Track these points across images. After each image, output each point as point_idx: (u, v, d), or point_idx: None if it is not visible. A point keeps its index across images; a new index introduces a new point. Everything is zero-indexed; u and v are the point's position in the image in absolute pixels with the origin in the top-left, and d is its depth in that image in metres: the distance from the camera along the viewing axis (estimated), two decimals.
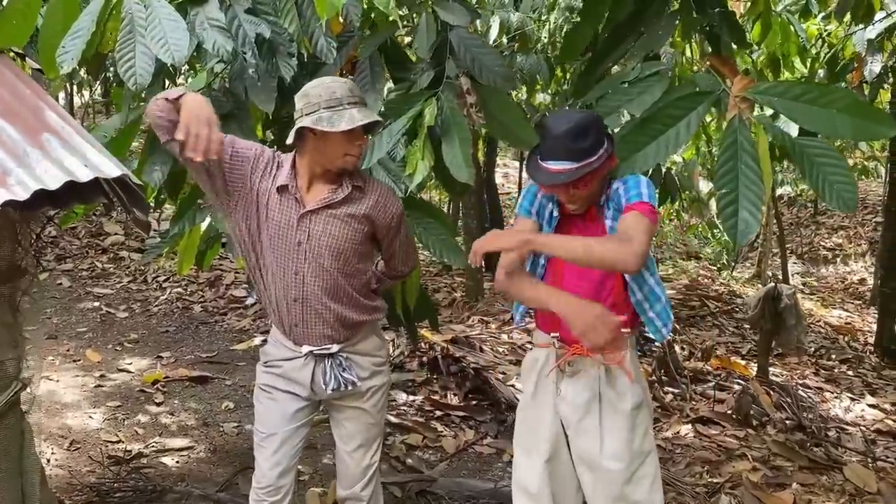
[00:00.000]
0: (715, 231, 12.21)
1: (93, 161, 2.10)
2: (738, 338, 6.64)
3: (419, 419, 4.01)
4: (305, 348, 2.26)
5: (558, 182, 2.07)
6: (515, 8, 6.09)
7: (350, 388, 2.26)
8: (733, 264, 11.95)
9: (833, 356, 6.26)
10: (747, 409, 4.12)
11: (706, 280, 9.95)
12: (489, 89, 2.64)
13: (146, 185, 2.73)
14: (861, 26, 4.50)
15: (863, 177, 11.53)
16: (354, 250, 2.25)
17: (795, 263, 12.45)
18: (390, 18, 2.35)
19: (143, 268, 6.84)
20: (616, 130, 2.20)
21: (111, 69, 3.63)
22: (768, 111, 2.54)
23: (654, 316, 2.18)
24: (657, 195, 2.14)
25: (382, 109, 2.72)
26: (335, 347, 2.27)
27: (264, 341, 2.45)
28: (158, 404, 4.25)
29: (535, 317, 2.34)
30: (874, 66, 4.82)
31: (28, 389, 2.28)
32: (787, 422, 4.16)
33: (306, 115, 2.10)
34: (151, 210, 2.72)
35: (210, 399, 4.36)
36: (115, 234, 7.63)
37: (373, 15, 3.29)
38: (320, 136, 2.10)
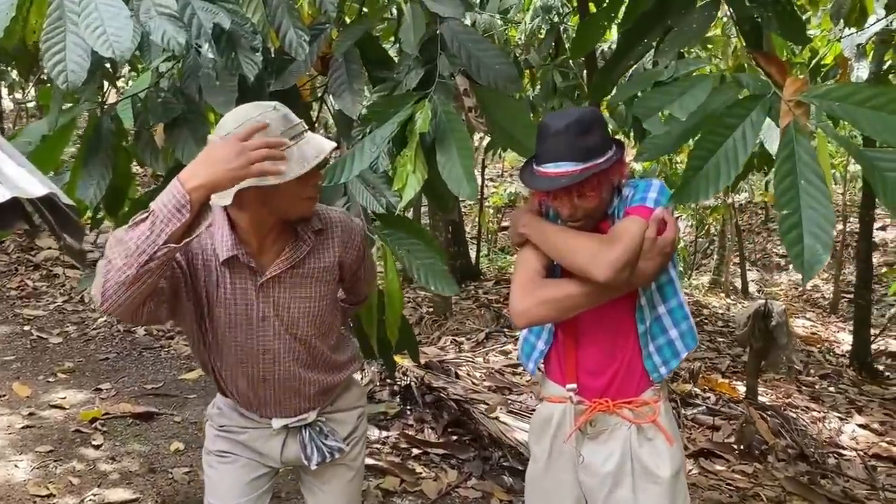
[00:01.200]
0: None
1: (10, 177, 1.65)
2: (713, 353, 6.44)
3: (395, 459, 3.61)
4: (277, 422, 1.87)
5: (561, 186, 1.71)
6: (482, 8, 5.78)
7: (337, 455, 1.87)
8: (690, 272, 11.90)
9: (812, 371, 6.09)
10: (750, 440, 3.86)
11: None
12: (490, 91, 2.29)
13: (80, 203, 2.30)
14: (853, 30, 4.30)
15: None
16: (329, 306, 1.86)
17: (750, 270, 12.48)
18: (378, 5, 1.97)
19: (78, 286, 6.27)
20: (651, 136, 1.87)
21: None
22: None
23: (653, 350, 1.82)
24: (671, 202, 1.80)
25: (363, 113, 2.35)
26: (313, 415, 1.89)
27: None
28: (97, 447, 3.75)
29: (547, 363, 1.97)
30: (861, 71, 4.64)
31: None
32: (790, 451, 3.90)
33: None
34: (87, 233, 2.27)
35: (157, 439, 3.87)
36: (49, 248, 7.03)
37: (345, 7, 2.92)
38: (266, 188, 1.61)
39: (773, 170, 1.80)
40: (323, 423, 1.91)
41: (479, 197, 10.03)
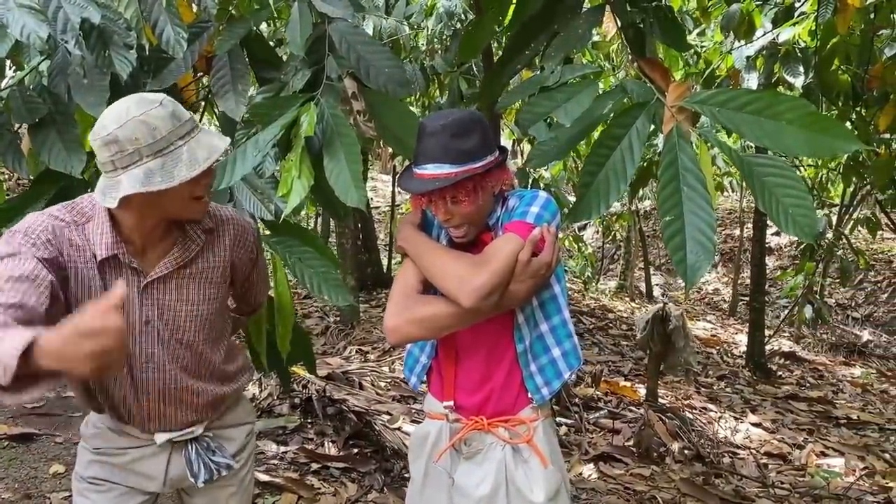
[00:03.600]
0: (580, 245, 12.41)
1: None
2: (617, 356, 6.56)
3: (293, 475, 3.47)
4: (161, 437, 1.73)
5: (432, 189, 1.63)
6: (387, 13, 5.72)
7: (224, 472, 1.76)
8: (597, 277, 12.17)
9: (710, 372, 6.29)
10: (648, 443, 3.91)
11: (576, 294, 9.98)
12: (379, 95, 2.22)
13: None
14: (742, 43, 4.46)
15: (716, 192, 12.08)
16: (219, 310, 1.75)
17: (655, 275, 12.88)
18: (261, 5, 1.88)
19: None
20: (538, 142, 1.84)
21: None
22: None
23: (535, 370, 1.74)
24: (559, 216, 1.75)
25: (246, 116, 2.24)
26: (199, 429, 1.76)
27: None
28: None
29: (429, 378, 1.90)
30: (751, 82, 4.82)
31: None
32: (686, 452, 3.98)
33: (123, 168, 1.46)
34: None
35: (35, 462, 3.61)
36: None
37: (231, 8, 2.80)
38: (153, 192, 1.48)
39: (658, 175, 1.80)
40: (210, 439, 1.79)
41: (391, 203, 9.96)
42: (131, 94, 1.56)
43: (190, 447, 1.76)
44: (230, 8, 2.68)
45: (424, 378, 1.89)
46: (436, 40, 5.21)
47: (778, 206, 1.72)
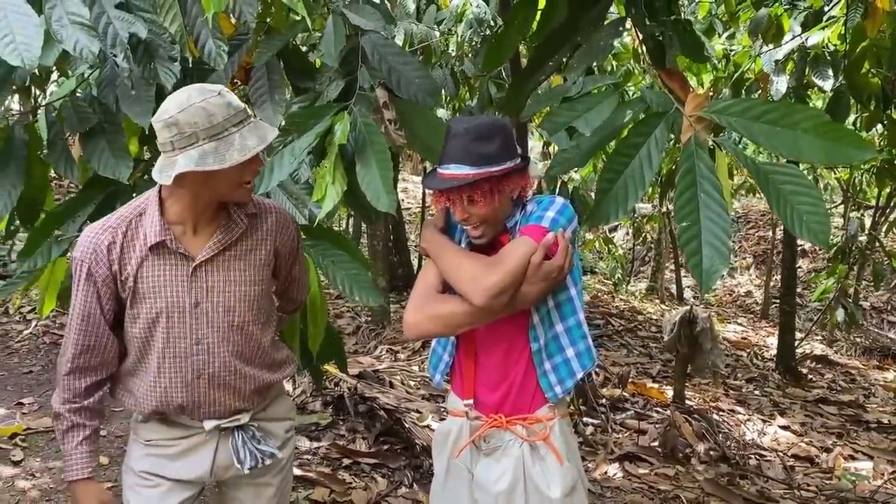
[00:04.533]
0: (610, 246, 12.39)
1: None
2: (645, 358, 6.58)
3: (325, 469, 3.59)
4: (209, 424, 1.83)
5: (449, 187, 1.73)
6: (418, 20, 5.82)
7: (269, 461, 1.86)
8: (627, 279, 12.14)
9: (739, 375, 6.28)
10: (673, 444, 3.96)
11: (605, 296, 9.98)
12: (409, 104, 2.32)
13: None
14: (770, 46, 4.48)
15: (749, 194, 11.99)
16: (265, 291, 1.86)
17: (686, 277, 12.80)
18: (299, 17, 1.98)
19: (1, 298, 6.07)
20: (560, 150, 1.92)
21: None
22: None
23: (549, 369, 1.82)
24: (576, 221, 1.83)
25: (283, 124, 2.35)
26: (246, 417, 1.86)
27: None
28: (16, 463, 3.64)
29: (452, 376, 1.98)
30: (780, 85, 4.83)
31: None
32: (712, 453, 4.02)
33: (181, 149, 1.61)
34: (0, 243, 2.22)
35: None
36: None
37: (268, 20, 2.91)
38: (206, 172, 1.64)
39: (676, 183, 1.87)
40: (256, 428, 1.89)
41: (422, 205, 10.06)
42: (192, 84, 1.70)
43: (237, 435, 1.86)
44: (267, 21, 2.80)
45: (447, 375, 1.96)
46: (466, 45, 5.30)
47: (792, 212, 1.78)
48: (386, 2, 4.12)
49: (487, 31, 5.15)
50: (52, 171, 2.55)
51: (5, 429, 3.94)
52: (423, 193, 10.02)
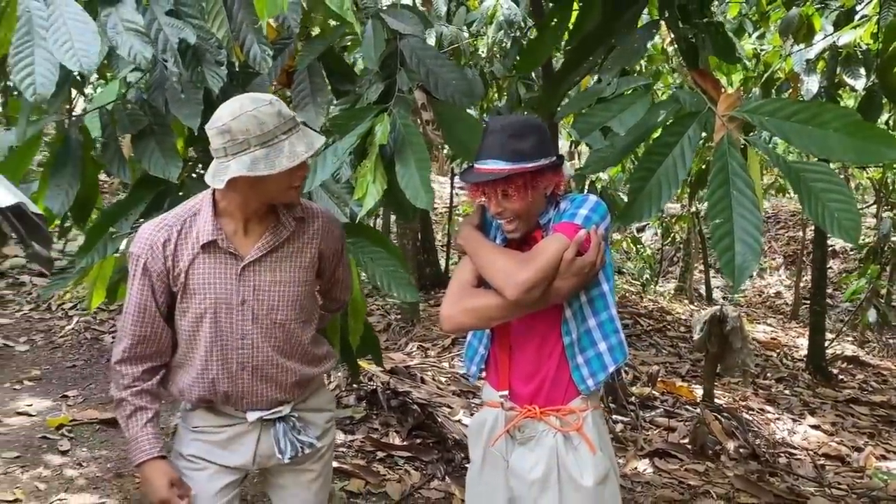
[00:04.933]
0: (638, 247, 12.36)
1: None
2: (674, 357, 6.59)
3: (360, 462, 3.68)
4: (252, 415, 1.93)
5: (484, 181, 1.80)
6: (448, 21, 5.89)
7: (308, 451, 1.95)
8: (656, 280, 12.10)
9: (769, 374, 6.27)
10: (703, 440, 3.98)
11: (634, 296, 9.97)
12: (447, 105, 2.40)
13: (48, 212, 2.35)
14: (801, 46, 4.49)
15: (779, 194, 11.90)
16: (308, 291, 1.94)
17: (715, 277, 12.72)
18: (348, 20, 2.06)
19: (43, 293, 6.25)
20: (594, 149, 1.98)
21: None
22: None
23: (581, 362, 1.86)
24: (608, 219, 1.88)
25: (325, 126, 2.44)
26: (287, 409, 1.95)
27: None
28: (63, 453, 3.77)
29: (487, 368, 2.04)
30: (811, 85, 4.83)
31: None
32: (741, 450, 4.04)
33: (233, 155, 1.70)
34: (54, 241, 2.33)
35: (123, 445, 3.90)
36: (15, 256, 6.98)
37: (308, 24, 3.00)
38: (256, 177, 1.72)
39: (708, 181, 1.92)
40: (296, 419, 1.97)
41: (449, 205, 10.13)
42: (244, 94, 1.79)
43: (278, 426, 1.95)
44: (307, 25, 2.89)
45: (483, 367, 2.02)
46: (496, 47, 5.36)
47: (824, 210, 1.82)
48: (421, 6, 4.20)
49: (517, 33, 5.20)
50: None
51: (52, 420, 4.09)
52: (451, 194, 10.09)
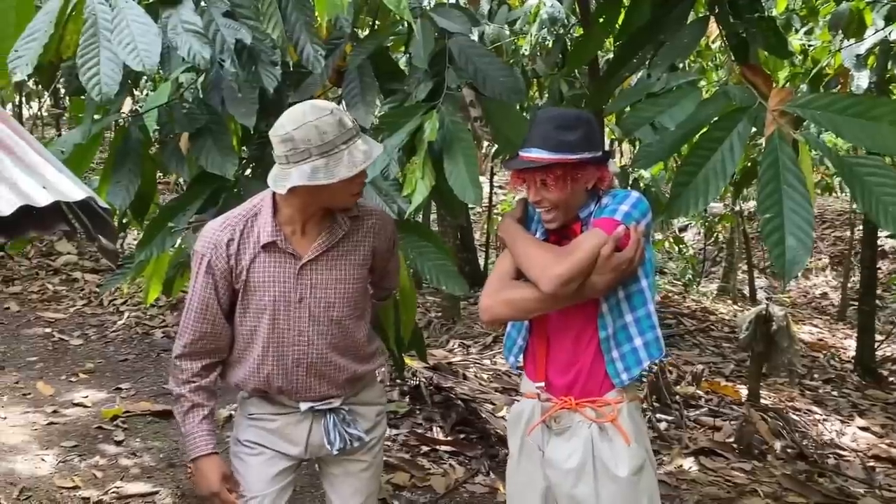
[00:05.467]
0: (680, 246, 12.21)
1: (52, 182, 1.80)
2: (718, 357, 6.51)
3: (405, 455, 3.74)
4: (304, 405, 1.99)
5: (523, 167, 1.84)
6: (490, 20, 5.92)
7: (356, 444, 2.00)
8: (698, 280, 11.95)
9: (816, 376, 6.17)
10: (749, 440, 3.95)
11: (676, 296, 9.87)
12: (495, 102, 2.43)
13: (111, 207, 2.44)
14: (852, 41, 4.41)
15: (825, 193, 11.66)
16: (362, 288, 2.00)
17: (759, 278, 12.51)
18: (388, 21, 2.11)
19: (97, 290, 6.44)
20: (644, 144, 2.00)
21: (62, 79, 3.34)
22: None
23: (617, 357, 1.87)
24: (650, 216, 1.89)
25: (375, 123, 2.49)
26: (337, 402, 2.01)
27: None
28: (118, 443, 3.90)
29: (525, 360, 2.06)
30: (861, 80, 4.74)
31: None
32: (788, 450, 3.99)
33: (294, 164, 1.76)
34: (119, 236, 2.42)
35: (175, 436, 4.01)
36: (68, 253, 7.21)
37: (358, 24, 3.06)
38: (315, 186, 1.78)
39: (759, 176, 1.92)
40: (346, 412, 2.02)
41: (488, 204, 10.15)
42: (306, 101, 1.86)
43: (328, 417, 2.00)
44: (356, 26, 2.94)
45: (521, 357, 2.05)
46: (539, 45, 5.37)
47: (878, 204, 1.81)
48: (467, 4, 4.24)
49: (560, 30, 5.21)
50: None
51: (107, 411, 4.23)
52: (491, 193, 10.11)
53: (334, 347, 1.95)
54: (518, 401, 2.09)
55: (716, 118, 1.91)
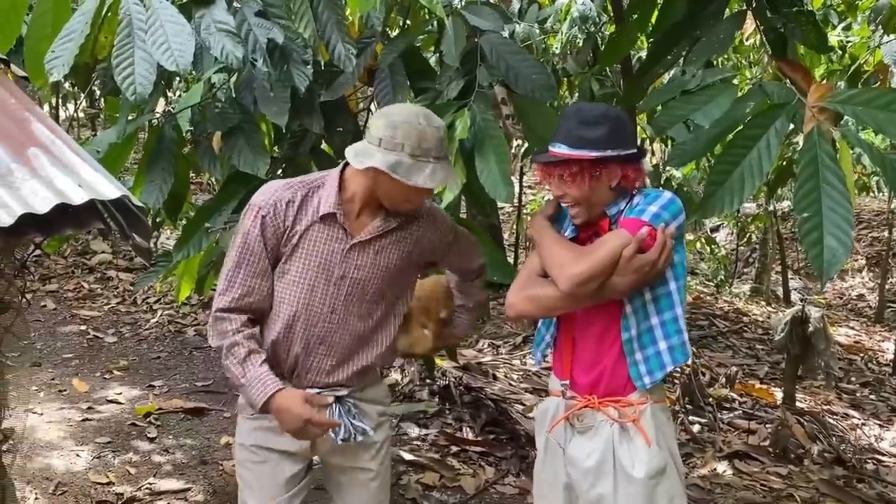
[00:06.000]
0: (713, 247, 12.05)
1: (87, 180, 1.82)
2: (752, 359, 6.41)
3: (434, 455, 3.73)
4: (310, 390, 1.94)
5: (543, 161, 1.85)
6: (520, 18, 5.89)
7: (361, 438, 1.96)
8: (731, 281, 11.79)
9: (853, 379, 6.04)
10: (785, 443, 3.88)
11: (709, 297, 9.74)
12: (527, 100, 2.41)
13: (145, 206, 2.47)
14: (892, 36, 4.31)
15: (861, 193, 11.43)
16: (403, 282, 2.01)
17: (793, 279, 12.30)
18: (420, 19, 2.10)
19: (131, 288, 6.53)
20: (678, 143, 1.96)
21: (97, 80, 3.39)
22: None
23: (640, 359, 1.85)
24: (682, 217, 1.86)
25: None
26: (344, 391, 1.99)
27: None
28: (151, 440, 3.94)
29: (553, 357, 2.05)
30: None
31: (10, 443, 1.98)
32: (825, 455, 3.92)
33: (385, 149, 1.78)
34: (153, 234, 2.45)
35: (207, 433, 4.05)
36: (102, 252, 7.32)
37: (388, 23, 3.05)
38: (390, 177, 1.79)
39: (797, 173, 1.88)
40: (352, 403, 1.99)
41: (517, 203, 10.11)
42: (422, 107, 1.93)
43: (333, 406, 1.95)
44: (387, 25, 2.94)
45: (548, 354, 2.05)
46: (570, 44, 5.33)
47: None
48: (499, 1, 4.22)
49: (592, 28, 5.16)
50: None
51: (140, 408, 4.28)
52: (520, 192, 10.06)
53: (359, 334, 1.95)
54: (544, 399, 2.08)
55: (752, 115, 1.87)
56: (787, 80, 1.88)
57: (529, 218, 2.02)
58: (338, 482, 2.08)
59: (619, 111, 1.87)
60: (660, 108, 2.08)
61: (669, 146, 4.98)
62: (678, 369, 4.40)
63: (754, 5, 2.00)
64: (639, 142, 2.25)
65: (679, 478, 1.90)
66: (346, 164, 1.91)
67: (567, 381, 1.94)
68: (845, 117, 1.93)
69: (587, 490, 1.87)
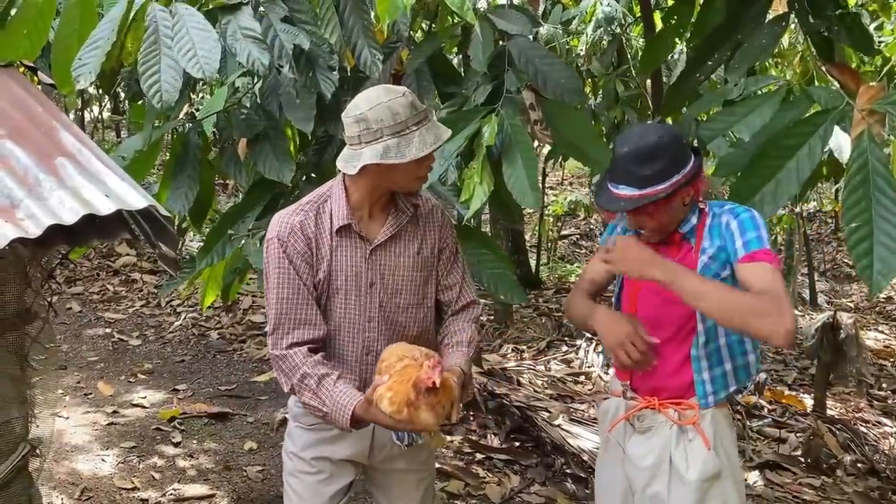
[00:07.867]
0: None
1: (114, 190, 1.81)
2: (780, 365, 6.29)
3: (459, 463, 3.68)
4: None
5: (616, 209, 1.82)
6: (544, 19, 5.83)
7: (421, 441, 1.93)
8: None
9: (884, 385, 5.91)
10: (817, 453, 3.79)
11: None
12: (555, 104, 2.37)
13: (170, 213, 2.45)
14: None
15: None
16: (426, 276, 1.96)
17: (819, 281, 12.09)
18: (468, 19, 2.05)
19: (155, 291, 6.55)
20: (725, 155, 1.90)
21: (122, 84, 3.38)
22: None
23: (707, 378, 1.84)
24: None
25: None
26: None
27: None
28: (176, 444, 3.93)
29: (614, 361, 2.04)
30: None
31: (38, 451, 1.97)
32: (859, 465, 3.82)
33: (366, 143, 1.75)
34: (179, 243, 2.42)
35: (231, 438, 4.04)
36: (127, 255, 7.35)
37: (414, 28, 3.01)
38: (387, 165, 1.76)
39: (844, 180, 1.81)
40: None
41: (541, 205, 10.03)
42: (379, 85, 1.86)
43: None
44: (412, 30, 2.90)
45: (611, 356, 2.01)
46: (593, 45, 5.26)
47: None
48: (527, 5, 4.16)
49: (617, 29, 5.09)
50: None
51: (165, 412, 4.27)
52: (543, 195, 9.98)
53: (401, 335, 1.92)
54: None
55: (794, 123, 1.81)
56: (836, 83, 1.81)
57: (626, 248, 1.81)
58: (386, 485, 2.07)
59: (665, 129, 1.79)
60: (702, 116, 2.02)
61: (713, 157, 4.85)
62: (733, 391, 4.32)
63: (796, 8, 1.93)
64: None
65: (735, 485, 1.88)
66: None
67: (628, 382, 1.96)
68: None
69: (642, 489, 1.89)
